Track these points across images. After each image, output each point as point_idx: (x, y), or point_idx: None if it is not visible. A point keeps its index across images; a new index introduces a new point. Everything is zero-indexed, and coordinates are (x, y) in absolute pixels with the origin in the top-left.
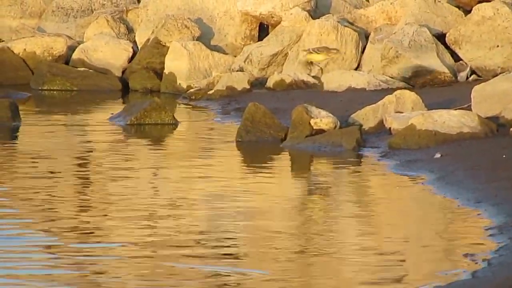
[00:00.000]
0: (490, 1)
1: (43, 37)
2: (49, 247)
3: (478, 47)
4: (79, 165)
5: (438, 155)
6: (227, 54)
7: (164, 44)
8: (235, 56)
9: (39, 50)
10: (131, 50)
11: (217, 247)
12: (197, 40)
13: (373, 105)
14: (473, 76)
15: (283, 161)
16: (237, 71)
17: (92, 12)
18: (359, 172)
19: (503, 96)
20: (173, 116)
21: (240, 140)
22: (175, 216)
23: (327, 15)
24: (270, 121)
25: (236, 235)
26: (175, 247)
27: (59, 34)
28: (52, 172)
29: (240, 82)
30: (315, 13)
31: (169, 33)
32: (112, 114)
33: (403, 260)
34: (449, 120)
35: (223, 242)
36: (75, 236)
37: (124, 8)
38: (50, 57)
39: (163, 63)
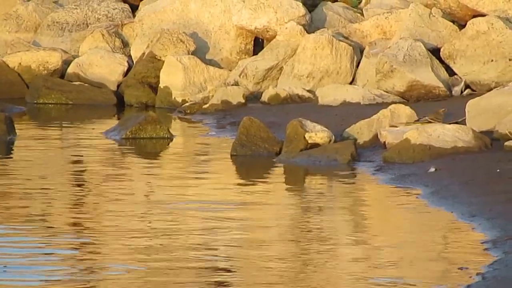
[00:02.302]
0: (484, 16)
1: (38, 51)
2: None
3: (473, 62)
4: (73, 179)
5: (432, 169)
6: (222, 68)
7: (159, 58)
8: (230, 70)
9: (34, 64)
10: (126, 64)
11: (211, 261)
12: (192, 54)
13: (368, 119)
14: (468, 91)
15: (278, 175)
16: (232, 85)
17: (87, 26)
18: (353, 186)
19: (497, 111)
20: (168, 130)
21: (235, 154)
22: (169, 231)
23: (322, 30)
24: (265, 135)
25: (230, 253)
26: (167, 260)
27: (55, 48)
28: (45, 189)
29: (235, 96)
30: (310, 28)
31: (164, 47)
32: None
33: (398, 274)
34: (444, 135)
35: (217, 258)
36: (68, 247)
37: (119, 22)
38: (46, 71)
39: (158, 77)
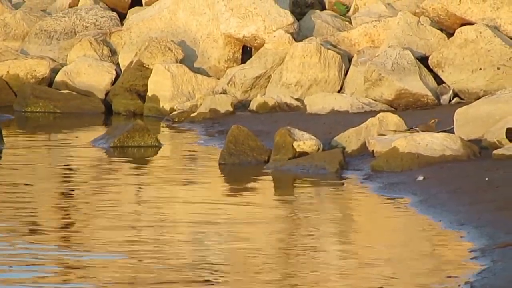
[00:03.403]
0: (473, 24)
1: (26, 60)
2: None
3: (461, 70)
4: (61, 187)
5: (421, 178)
6: (210, 76)
7: (147, 66)
8: (218, 79)
9: (22, 72)
10: (114, 72)
11: (199, 270)
12: (180, 62)
13: (356, 127)
14: (456, 99)
15: (266, 183)
16: (220, 93)
17: (75, 34)
18: (342, 194)
19: (486, 119)
20: (156, 138)
21: (223, 162)
22: (156, 239)
23: (310, 38)
24: (253, 143)
25: (217, 260)
26: (155, 270)
27: (42, 57)
28: (32, 198)
29: (223, 105)
30: (298, 36)
31: (152, 55)
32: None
33: (386, 283)
34: (432, 143)
35: (205, 267)
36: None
37: (107, 30)
38: (34, 80)
39: (146, 85)
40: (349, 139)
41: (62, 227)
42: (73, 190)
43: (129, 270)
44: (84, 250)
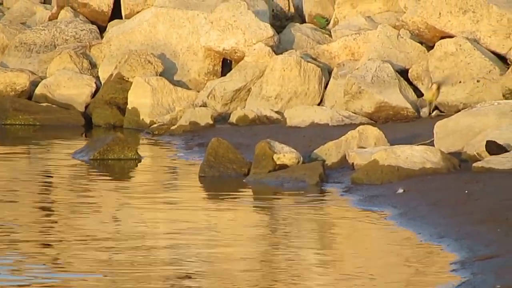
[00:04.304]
0: (452, 37)
1: (5, 72)
2: None
3: (441, 83)
4: (40, 200)
5: (400, 191)
6: (190, 89)
7: (127, 79)
8: (198, 92)
9: (1, 85)
10: (94, 85)
11: (177, 280)
12: (160, 75)
13: (336, 140)
14: (436, 112)
15: (246, 196)
16: (200, 106)
17: (55, 47)
18: (321, 207)
19: (466, 132)
20: (136, 151)
21: (203, 175)
22: (134, 251)
23: (290, 51)
24: (233, 156)
25: (196, 273)
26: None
27: (22, 70)
28: (11, 210)
29: (203, 118)
30: (278, 49)
31: (132, 68)
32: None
33: None
34: (412, 156)
35: (183, 279)
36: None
37: (87, 43)
38: (13, 92)
39: (126, 98)
40: (329, 152)
41: (38, 243)
42: (52, 203)
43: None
44: (59, 268)
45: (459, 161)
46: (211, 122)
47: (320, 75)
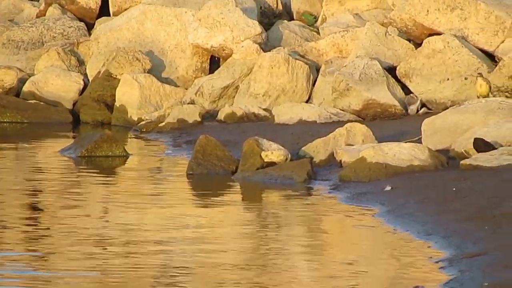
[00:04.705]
0: (440, 35)
1: None
2: None
3: (429, 80)
4: (28, 197)
5: (388, 188)
6: (178, 86)
7: (115, 76)
8: (186, 89)
9: None
10: (82, 82)
11: (164, 278)
12: (148, 72)
13: (324, 137)
14: (424, 109)
15: (233, 193)
16: (188, 103)
17: (43, 44)
18: (309, 204)
19: (453, 129)
20: (124, 148)
21: (191, 172)
22: (123, 248)
23: (278, 48)
24: (221, 153)
25: (183, 271)
26: (123, 276)
27: (10, 67)
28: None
29: (191, 115)
30: (266, 46)
31: (120, 65)
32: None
33: None
34: (400, 153)
35: (170, 277)
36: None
37: (75, 40)
38: (1, 90)
39: (114, 95)
40: (317, 149)
41: (25, 240)
42: (39, 201)
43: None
44: (48, 266)
45: (447, 159)
46: (199, 119)
47: (308, 73)
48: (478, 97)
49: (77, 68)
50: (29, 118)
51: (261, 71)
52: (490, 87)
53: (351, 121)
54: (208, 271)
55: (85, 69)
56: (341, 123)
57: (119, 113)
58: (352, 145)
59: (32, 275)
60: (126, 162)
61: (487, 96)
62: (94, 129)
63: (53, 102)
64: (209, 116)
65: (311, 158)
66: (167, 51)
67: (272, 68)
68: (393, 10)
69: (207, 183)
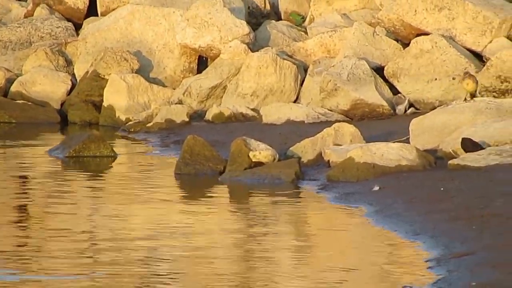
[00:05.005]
0: (428, 35)
1: None
2: None
3: (416, 80)
4: (15, 197)
5: (376, 188)
6: (166, 86)
7: (103, 76)
8: (174, 89)
9: None
10: (70, 82)
11: (153, 279)
12: (136, 72)
13: (312, 137)
14: (411, 109)
15: (221, 193)
16: (176, 103)
17: (31, 44)
18: (298, 204)
19: (441, 129)
20: (112, 148)
21: (179, 172)
22: (111, 249)
23: (266, 48)
24: (209, 153)
25: (170, 272)
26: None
27: None
28: None
29: (179, 115)
30: (254, 46)
31: (108, 65)
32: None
33: None
34: (388, 153)
35: (158, 278)
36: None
37: (63, 40)
38: None
39: (102, 95)
40: (305, 149)
41: (14, 243)
42: (27, 201)
43: None
44: (36, 269)
45: (435, 159)
46: (186, 119)
47: (296, 73)
48: (465, 100)
49: (65, 68)
50: (17, 118)
51: (249, 71)
52: (477, 84)
53: (339, 121)
54: (192, 270)
55: (73, 69)
56: (329, 123)
57: (107, 113)
58: (340, 145)
59: (14, 278)
60: (114, 162)
61: (475, 94)
62: (82, 129)
63: (41, 102)
64: (197, 116)
65: (299, 158)
66: (155, 51)
67: (260, 68)
68: (381, 10)
69: (194, 183)
